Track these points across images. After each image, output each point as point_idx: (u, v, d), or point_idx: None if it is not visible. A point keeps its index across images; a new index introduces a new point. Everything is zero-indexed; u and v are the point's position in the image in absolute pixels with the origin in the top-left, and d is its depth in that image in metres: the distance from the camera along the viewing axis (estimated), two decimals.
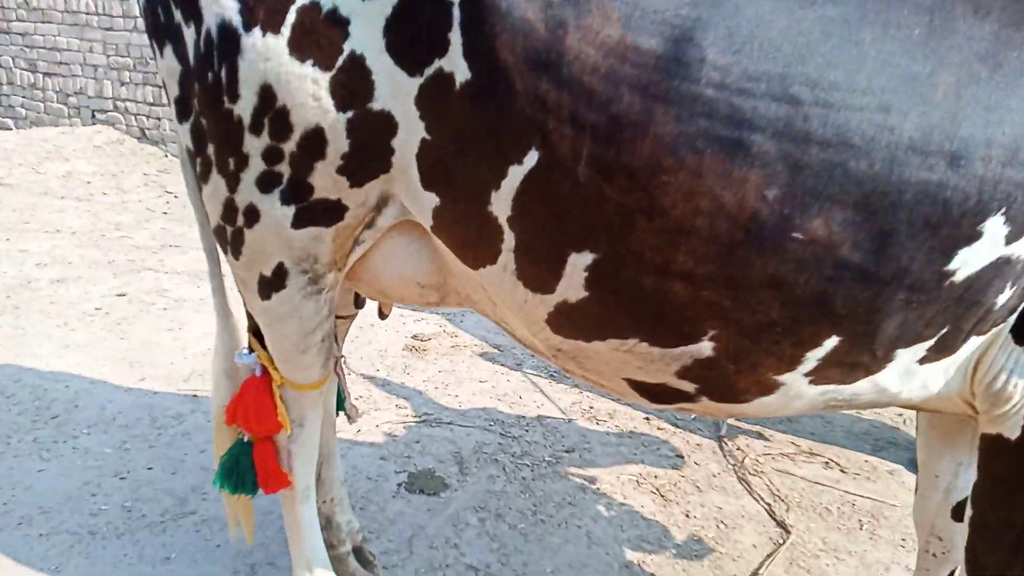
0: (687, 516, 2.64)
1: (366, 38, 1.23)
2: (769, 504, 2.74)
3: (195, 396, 3.14)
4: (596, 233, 1.19)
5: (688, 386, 1.31)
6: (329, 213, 1.39)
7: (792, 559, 2.45)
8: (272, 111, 1.29)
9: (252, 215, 1.41)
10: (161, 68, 1.44)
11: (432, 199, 1.30)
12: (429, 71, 1.21)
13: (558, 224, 1.21)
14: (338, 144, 1.30)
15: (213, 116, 1.35)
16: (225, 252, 1.54)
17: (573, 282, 1.24)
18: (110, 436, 2.80)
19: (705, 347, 1.23)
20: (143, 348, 3.55)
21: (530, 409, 3.30)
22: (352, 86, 1.26)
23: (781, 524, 2.63)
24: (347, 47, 1.24)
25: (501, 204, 1.23)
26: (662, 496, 2.74)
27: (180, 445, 2.78)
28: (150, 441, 2.79)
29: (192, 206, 1.70)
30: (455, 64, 1.18)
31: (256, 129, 1.32)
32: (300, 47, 1.25)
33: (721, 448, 3.11)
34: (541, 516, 2.55)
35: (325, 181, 1.35)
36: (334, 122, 1.28)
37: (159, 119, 7.28)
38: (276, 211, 1.39)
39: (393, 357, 3.72)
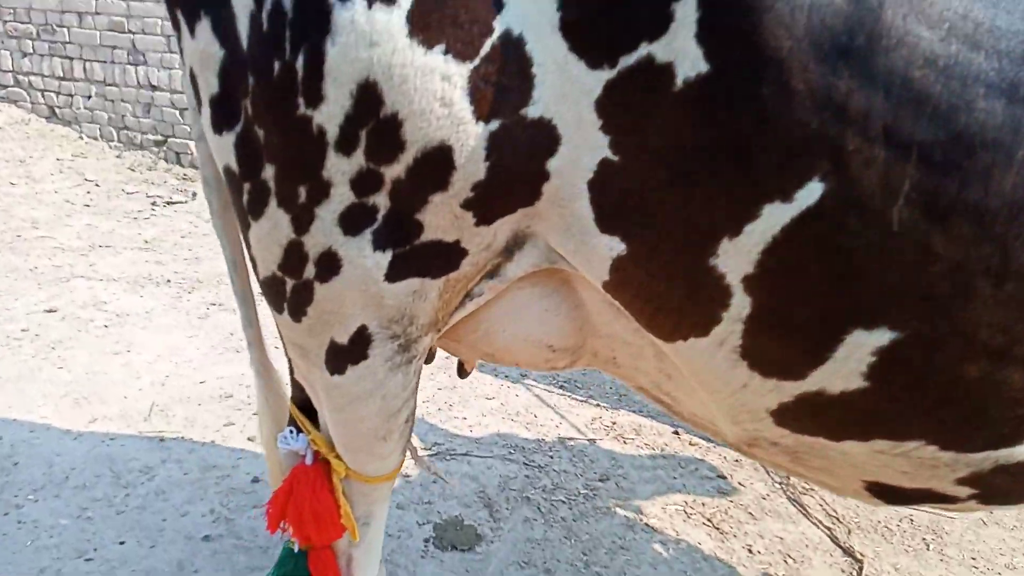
0: (750, 552, 2.37)
1: (529, 11, 0.85)
2: (829, 528, 2.52)
3: (161, 440, 2.65)
4: (905, 304, 0.85)
5: (963, 491, 1.01)
6: (440, 260, 1.01)
7: None
8: (374, 121, 0.89)
9: (329, 264, 1.01)
10: (188, 53, 1.00)
11: (612, 245, 0.93)
12: (628, 60, 0.83)
13: (840, 290, 0.86)
14: (471, 169, 0.91)
15: (279, 126, 0.94)
16: (277, 310, 1.13)
17: (846, 369, 0.91)
18: (64, 502, 2.31)
19: (1022, 451, 0.92)
20: (88, 379, 3.01)
21: (548, 430, 2.96)
22: (502, 84, 0.87)
23: (849, 552, 2.40)
24: (499, 25, 0.85)
25: (737, 258, 0.88)
26: (717, 528, 2.47)
27: (155, 508, 2.31)
28: (116, 505, 2.31)
29: (219, 240, 1.28)
30: (679, 50, 0.81)
31: (346, 146, 0.92)
32: (426, 26, 0.85)
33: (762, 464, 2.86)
34: (595, 568, 2.23)
35: (441, 219, 0.96)
36: (469, 137, 0.89)
37: (71, 95, 6.44)
38: (365, 259, 0.99)
39: None
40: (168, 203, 5.64)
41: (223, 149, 1.02)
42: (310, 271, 1.03)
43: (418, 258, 1.00)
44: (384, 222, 0.97)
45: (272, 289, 1.10)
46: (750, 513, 2.57)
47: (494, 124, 0.89)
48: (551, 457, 2.77)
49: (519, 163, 0.91)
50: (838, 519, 2.57)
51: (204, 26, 0.95)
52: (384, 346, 1.08)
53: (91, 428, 2.69)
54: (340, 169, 0.93)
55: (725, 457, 2.88)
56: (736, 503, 2.62)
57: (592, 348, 1.16)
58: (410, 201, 0.95)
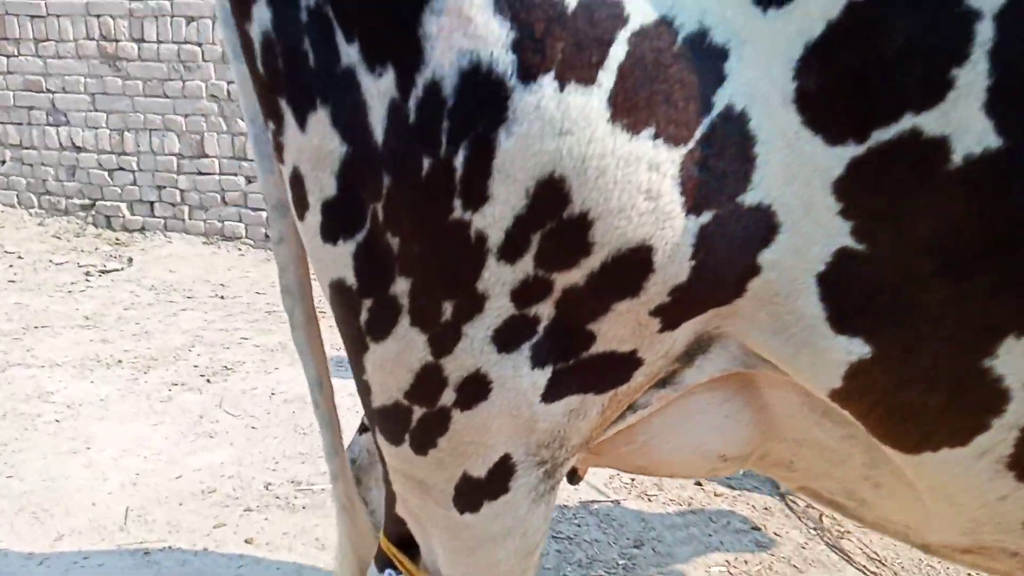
0: None
1: (757, 82, 0.71)
2: (876, 573, 2.42)
3: (145, 553, 2.33)
4: None
5: None
6: (611, 374, 0.85)
7: None
8: (555, 222, 0.73)
9: (475, 388, 0.84)
10: (294, 149, 0.81)
11: (852, 348, 0.78)
12: (884, 135, 0.69)
13: None
14: (672, 271, 0.76)
15: (424, 233, 0.77)
16: (393, 441, 0.94)
17: None
18: None
19: None
20: (45, 487, 2.65)
21: (568, 493, 2.78)
22: (718, 169, 0.73)
23: None
24: (719, 100, 0.71)
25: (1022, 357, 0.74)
26: None
27: None
28: None
29: (301, 357, 1.08)
30: (958, 121, 0.68)
31: (512, 253, 0.75)
32: (632, 107, 0.70)
33: (790, 507, 2.76)
34: None
35: (621, 328, 0.80)
36: (675, 234, 0.74)
37: None
38: (521, 379, 0.83)
39: None
40: (103, 272, 5.22)
41: (335, 260, 0.83)
42: (448, 397, 0.85)
43: (583, 373, 0.84)
44: (546, 334, 0.81)
45: (392, 419, 0.91)
46: (794, 566, 2.45)
47: (706, 216, 0.74)
48: (579, 526, 2.59)
49: (728, 258, 0.76)
50: (881, 562, 2.48)
51: (320, 118, 0.77)
52: (528, 476, 0.91)
53: (58, 547, 2.35)
54: (501, 279, 0.77)
55: (753, 506, 2.77)
56: (777, 556, 2.50)
57: (762, 452, 1.01)
58: (586, 310, 0.79)
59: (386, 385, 0.88)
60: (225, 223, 6.03)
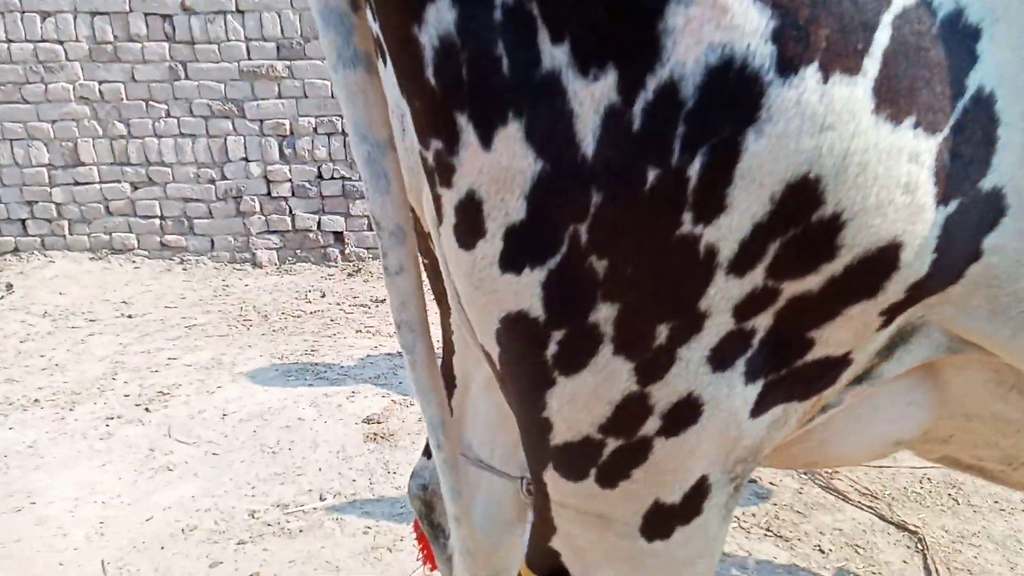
0: (821, 552, 2.35)
1: (1007, 63, 0.68)
2: (872, 507, 2.58)
3: None
4: None
5: None
6: (820, 379, 0.80)
7: (945, 562, 2.30)
8: (800, 227, 0.67)
9: (685, 413, 0.77)
10: (471, 171, 0.70)
11: None
12: None
13: None
14: (916, 266, 0.72)
15: (643, 253, 0.68)
16: (572, 477, 0.84)
17: None
18: None
19: None
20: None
21: None
22: (967, 155, 0.69)
23: (903, 527, 2.47)
24: (972, 82, 0.67)
25: None
26: (778, 535, 2.43)
27: None
28: None
29: (420, 397, 0.94)
30: None
31: (744, 265, 0.68)
32: (895, 96, 0.65)
33: None
34: None
35: (844, 332, 0.75)
36: (925, 227, 0.70)
37: None
38: (734, 397, 0.76)
39: (357, 457, 2.89)
40: None
41: (517, 291, 0.73)
42: (651, 426, 0.78)
43: (793, 382, 0.79)
44: (760, 347, 0.75)
45: (576, 454, 0.82)
46: (798, 511, 2.56)
47: (952, 205, 0.70)
48: None
49: (960, 247, 0.73)
50: (873, 495, 2.64)
51: (511, 133, 0.66)
52: (720, 494, 0.85)
53: None
54: (727, 295, 0.70)
55: None
56: (780, 504, 2.60)
57: (930, 434, 1.01)
58: (811, 317, 0.74)
59: (575, 421, 0.79)
60: (113, 235, 5.50)
